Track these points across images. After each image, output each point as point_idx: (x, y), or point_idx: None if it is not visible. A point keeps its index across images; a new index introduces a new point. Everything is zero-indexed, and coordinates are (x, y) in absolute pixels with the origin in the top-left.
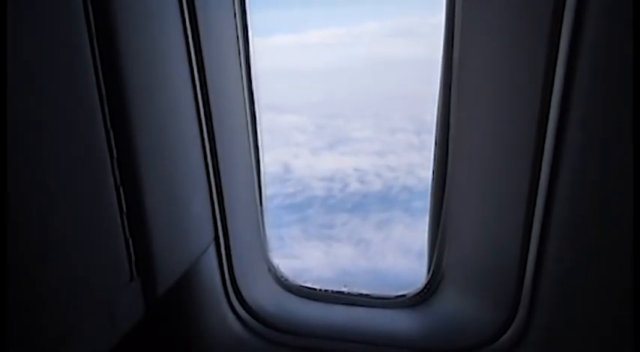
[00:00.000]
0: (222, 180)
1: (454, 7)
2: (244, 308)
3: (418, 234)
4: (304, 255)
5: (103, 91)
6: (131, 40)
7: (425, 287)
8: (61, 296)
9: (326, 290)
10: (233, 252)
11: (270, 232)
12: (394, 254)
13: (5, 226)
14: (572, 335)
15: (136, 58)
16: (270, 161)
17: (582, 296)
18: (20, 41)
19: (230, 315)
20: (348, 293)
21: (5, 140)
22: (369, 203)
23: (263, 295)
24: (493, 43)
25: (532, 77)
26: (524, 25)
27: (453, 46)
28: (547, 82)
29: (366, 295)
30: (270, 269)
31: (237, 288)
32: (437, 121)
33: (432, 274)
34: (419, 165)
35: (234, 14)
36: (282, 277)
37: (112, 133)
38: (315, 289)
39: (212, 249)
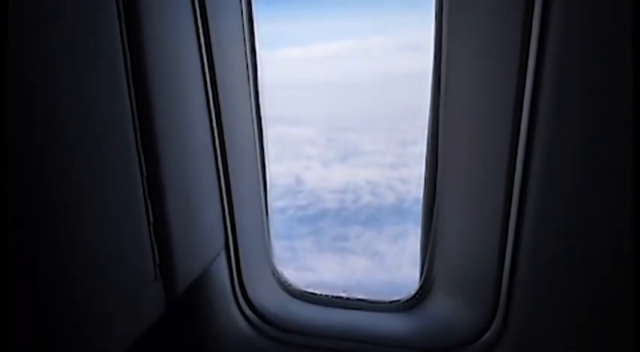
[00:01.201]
0: (232, 192)
1: (441, 24)
2: (251, 310)
3: None
4: (319, 267)
5: (136, 119)
6: (157, 66)
7: (417, 293)
8: (96, 292)
9: (326, 295)
10: (241, 259)
11: (283, 244)
12: (410, 266)
13: (51, 231)
14: (544, 334)
15: (161, 83)
16: (281, 173)
17: (552, 302)
18: (59, 62)
19: (238, 315)
20: (347, 298)
21: (52, 156)
22: (382, 215)
23: (268, 298)
24: (476, 63)
25: (509, 96)
26: (502, 44)
27: (440, 64)
28: (518, 99)
29: (363, 299)
30: (274, 275)
31: (245, 291)
32: (427, 137)
33: (424, 281)
34: None
35: (243, 28)
36: (285, 282)
37: (142, 155)
38: (316, 294)
39: (223, 256)
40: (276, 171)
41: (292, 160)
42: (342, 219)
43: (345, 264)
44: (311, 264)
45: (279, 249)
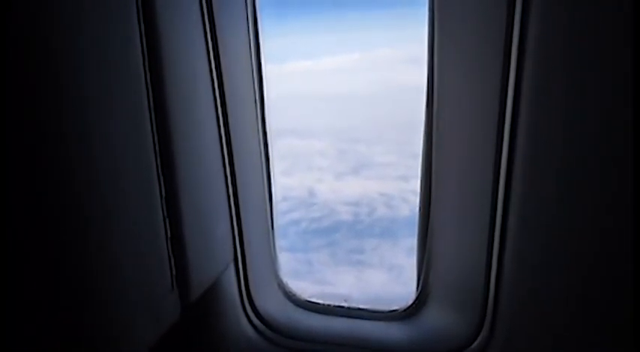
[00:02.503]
0: (241, 208)
1: (433, 39)
2: (257, 317)
3: None
4: (336, 280)
5: (157, 144)
6: (175, 90)
7: (413, 303)
8: (119, 299)
9: (328, 304)
10: (249, 270)
11: (299, 256)
12: None
13: (81, 244)
14: (527, 340)
15: (178, 106)
16: (294, 185)
17: (534, 311)
18: (85, 63)
19: (246, 322)
20: (347, 307)
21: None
22: (397, 228)
23: (273, 306)
24: (466, 80)
25: (496, 112)
26: (489, 58)
27: (433, 81)
28: (501, 111)
29: (363, 309)
30: (279, 285)
31: (252, 300)
32: (422, 155)
33: (420, 292)
34: None
35: (250, 44)
36: (289, 292)
37: (161, 177)
38: (318, 303)
39: (232, 267)
40: (289, 183)
41: (304, 172)
42: (356, 232)
43: (362, 277)
44: (328, 278)
45: (295, 262)
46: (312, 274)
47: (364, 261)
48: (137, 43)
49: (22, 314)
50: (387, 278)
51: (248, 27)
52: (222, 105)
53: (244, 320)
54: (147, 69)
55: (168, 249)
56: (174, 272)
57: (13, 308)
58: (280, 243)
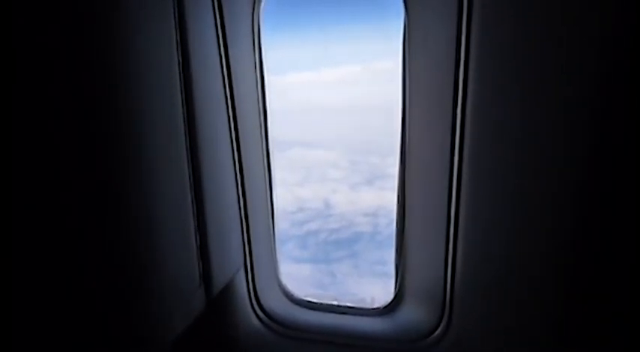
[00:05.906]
0: (250, 221)
1: (406, 55)
2: (263, 312)
3: None
4: (361, 292)
5: (190, 167)
6: (203, 110)
7: (392, 301)
8: (158, 293)
9: (321, 303)
10: (255, 273)
11: (322, 268)
12: None
13: (130, 252)
14: (477, 329)
15: (202, 112)
16: (309, 197)
17: (483, 306)
18: (135, 70)
19: (253, 316)
20: (337, 305)
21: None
22: None
23: (276, 304)
24: (435, 95)
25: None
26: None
27: (405, 96)
28: (453, 131)
29: (350, 306)
30: (280, 286)
31: (258, 298)
32: (397, 173)
33: (397, 292)
34: None
35: (254, 55)
36: (289, 292)
37: (194, 201)
38: (313, 302)
39: (242, 271)
40: (303, 194)
41: (318, 183)
42: (377, 243)
43: (388, 289)
44: (353, 289)
45: (319, 273)
46: (335, 286)
47: (387, 272)
48: (175, 66)
49: (69, 304)
50: None
51: (253, 40)
52: (234, 123)
53: (252, 315)
54: (183, 94)
55: (197, 253)
56: (201, 272)
57: (59, 298)
58: (301, 253)
